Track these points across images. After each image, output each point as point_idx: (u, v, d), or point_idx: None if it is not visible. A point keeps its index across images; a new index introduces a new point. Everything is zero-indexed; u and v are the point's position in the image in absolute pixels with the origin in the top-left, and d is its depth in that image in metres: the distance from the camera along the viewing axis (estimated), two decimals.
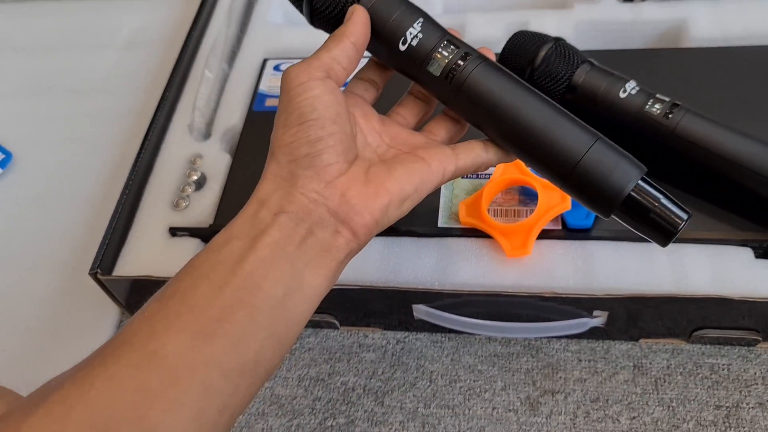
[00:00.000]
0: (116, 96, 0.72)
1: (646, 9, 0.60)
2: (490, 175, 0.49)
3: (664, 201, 0.34)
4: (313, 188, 0.33)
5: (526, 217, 0.47)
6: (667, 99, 0.46)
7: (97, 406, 0.27)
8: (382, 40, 0.37)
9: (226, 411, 0.30)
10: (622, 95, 0.47)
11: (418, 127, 0.41)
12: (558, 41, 0.50)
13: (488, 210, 0.48)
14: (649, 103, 0.47)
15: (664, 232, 0.34)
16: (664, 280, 0.44)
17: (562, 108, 0.36)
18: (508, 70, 0.37)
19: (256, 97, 0.59)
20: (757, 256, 0.44)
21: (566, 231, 0.46)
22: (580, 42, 0.59)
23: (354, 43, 0.36)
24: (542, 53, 0.50)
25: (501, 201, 0.49)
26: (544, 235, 0.46)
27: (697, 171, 0.46)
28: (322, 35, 0.39)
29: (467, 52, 0.37)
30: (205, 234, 0.51)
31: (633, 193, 0.34)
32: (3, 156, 0.66)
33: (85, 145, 0.67)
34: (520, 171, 0.48)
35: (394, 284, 0.46)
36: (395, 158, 0.37)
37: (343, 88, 0.37)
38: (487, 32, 0.60)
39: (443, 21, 0.62)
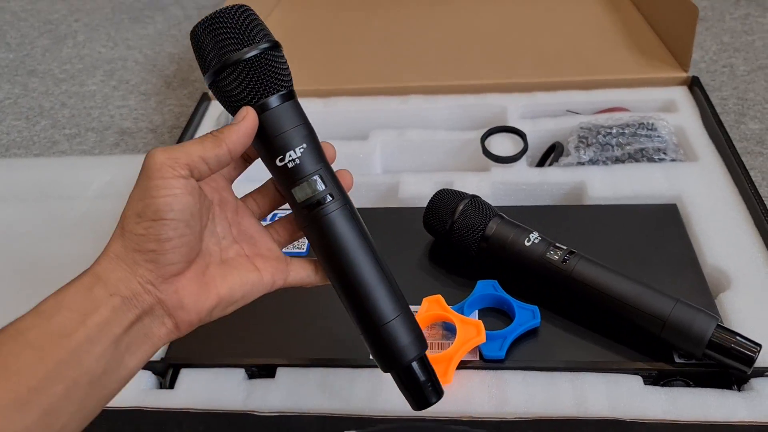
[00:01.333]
0: (83, 241, 0.77)
1: (551, 173, 0.71)
2: (415, 311, 0.55)
3: (427, 379, 0.41)
4: (150, 280, 0.35)
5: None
6: (564, 247, 0.55)
7: None
8: (263, 146, 0.39)
9: None
10: (526, 243, 0.56)
11: (270, 213, 0.43)
12: (474, 198, 0.59)
13: None
14: (550, 251, 0.55)
15: (418, 403, 0.41)
16: (567, 405, 0.49)
17: (389, 273, 0.40)
18: (360, 222, 0.40)
19: None
20: (645, 383, 0.51)
21: (483, 361, 0.52)
22: (496, 199, 0.69)
23: (230, 150, 0.36)
24: (460, 207, 0.58)
25: (427, 335, 0.54)
26: (464, 365, 0.52)
27: (591, 307, 0.53)
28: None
29: (331, 193, 0.39)
30: (156, 367, 0.55)
31: (412, 365, 0.40)
32: None
33: (51, 287, 0.72)
34: (441, 308, 0.54)
35: (329, 411, 0.51)
36: (233, 261, 0.39)
37: None
38: (418, 189, 0.70)
39: (382, 180, 0.73)
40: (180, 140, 0.81)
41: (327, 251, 0.40)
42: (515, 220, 0.58)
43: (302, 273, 0.41)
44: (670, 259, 0.59)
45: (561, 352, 0.52)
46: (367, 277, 0.39)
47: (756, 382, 0.50)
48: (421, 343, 0.41)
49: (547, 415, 0.48)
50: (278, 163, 0.38)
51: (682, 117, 0.77)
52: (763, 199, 0.65)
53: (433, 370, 0.41)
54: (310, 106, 0.85)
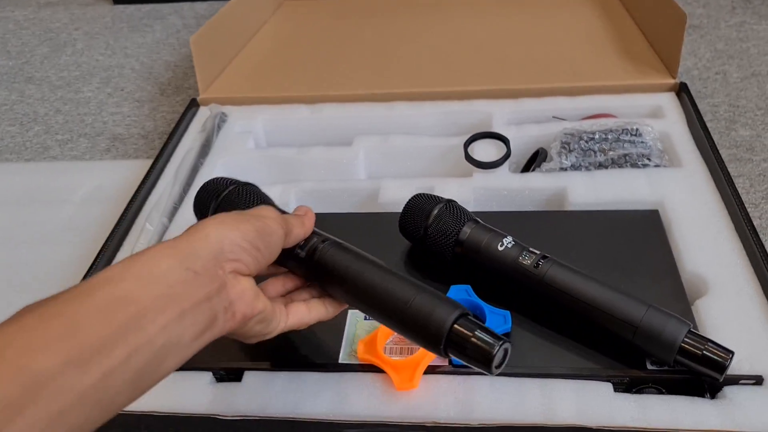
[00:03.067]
0: (68, 246, 0.78)
1: (533, 178, 0.70)
2: None
3: (479, 333, 0.40)
4: (240, 243, 0.39)
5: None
6: (537, 252, 0.54)
7: None
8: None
9: None
10: (500, 248, 0.55)
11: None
12: (449, 202, 0.59)
13: (385, 348, 0.53)
14: (522, 255, 0.54)
15: (485, 362, 0.39)
16: (535, 411, 0.48)
17: (393, 271, 0.45)
18: (351, 246, 0.47)
19: None
20: (617, 390, 0.50)
21: (451, 366, 0.51)
22: (478, 205, 0.68)
23: (306, 232, 0.47)
24: (435, 212, 0.58)
25: (397, 340, 0.54)
26: (432, 370, 0.51)
27: (563, 313, 0.52)
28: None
29: (324, 239, 0.47)
30: None
31: (454, 329, 0.40)
32: None
33: (33, 291, 0.72)
34: None
35: (294, 415, 0.50)
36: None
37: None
38: (398, 194, 0.69)
39: (363, 186, 0.72)
40: (166, 144, 0.81)
41: (335, 279, 0.46)
42: (494, 226, 0.57)
43: (321, 310, 0.47)
44: (649, 265, 0.58)
45: (532, 358, 0.51)
46: (376, 278, 0.44)
47: (729, 390, 0.49)
48: (451, 308, 0.41)
49: (514, 422, 0.48)
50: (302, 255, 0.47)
51: (668, 123, 0.76)
52: (761, 205, 0.64)
53: (480, 325, 0.41)
54: (296, 113, 0.86)
